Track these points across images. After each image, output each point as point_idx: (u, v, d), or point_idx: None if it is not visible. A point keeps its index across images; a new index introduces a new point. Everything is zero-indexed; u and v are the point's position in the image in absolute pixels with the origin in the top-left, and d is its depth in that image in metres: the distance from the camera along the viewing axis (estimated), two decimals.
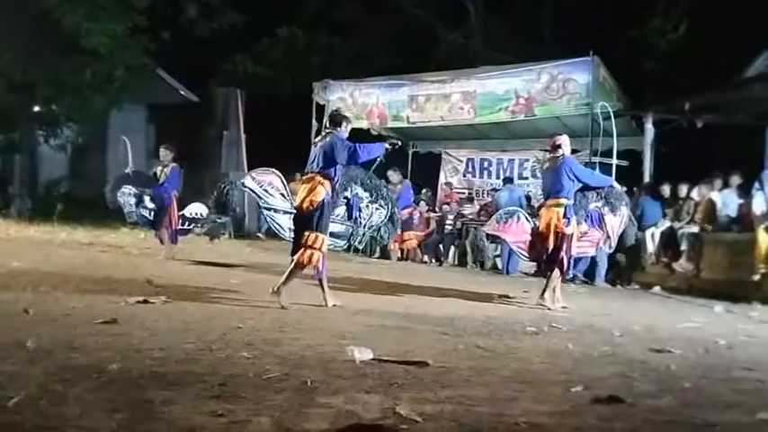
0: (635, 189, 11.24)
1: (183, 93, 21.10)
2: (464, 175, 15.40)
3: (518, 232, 6.98)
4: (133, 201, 9.41)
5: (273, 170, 6.33)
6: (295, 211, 5.89)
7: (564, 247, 6.67)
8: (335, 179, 5.88)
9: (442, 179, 15.69)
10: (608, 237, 7.20)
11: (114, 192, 9.51)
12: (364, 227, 6.39)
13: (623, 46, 15.92)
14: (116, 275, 7.09)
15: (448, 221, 13.17)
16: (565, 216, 6.66)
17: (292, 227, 5.94)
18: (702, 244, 9.59)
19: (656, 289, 9.29)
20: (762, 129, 11.98)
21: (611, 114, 7.38)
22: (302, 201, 5.75)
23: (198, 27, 20.02)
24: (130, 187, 9.45)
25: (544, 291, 6.78)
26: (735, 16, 14.54)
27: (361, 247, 7.50)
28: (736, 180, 10.09)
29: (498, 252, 11.90)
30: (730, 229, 9.67)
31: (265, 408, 2.72)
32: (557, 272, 6.73)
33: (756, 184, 9.35)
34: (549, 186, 6.89)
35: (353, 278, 8.44)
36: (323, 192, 5.72)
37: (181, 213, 9.80)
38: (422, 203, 13.68)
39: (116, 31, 16.22)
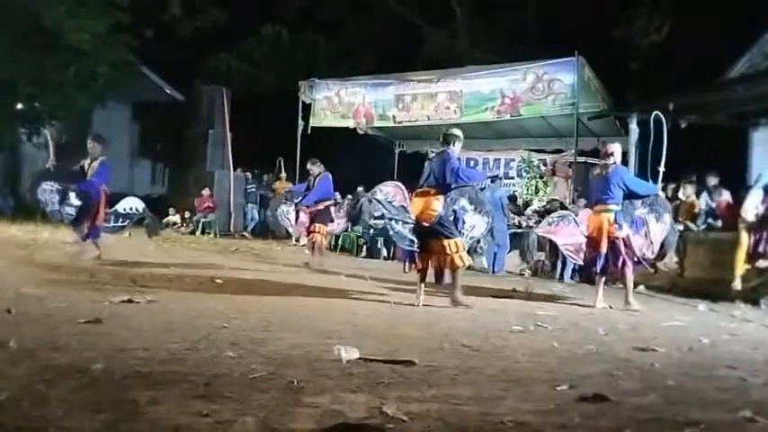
0: None
1: (168, 91, 21.00)
2: None
3: (568, 235, 7.08)
4: (56, 198, 8.57)
5: (397, 183, 6.57)
6: (416, 223, 6.24)
7: (624, 251, 6.85)
8: (448, 193, 6.32)
9: None
10: (651, 243, 7.28)
11: (34, 189, 8.69)
12: (465, 237, 6.54)
13: (608, 46, 16.04)
14: (100, 274, 7.04)
15: None
16: (615, 221, 6.86)
17: (411, 237, 6.24)
18: (686, 243, 9.66)
19: (640, 288, 9.33)
20: (744, 130, 12.11)
21: (664, 123, 7.52)
22: (420, 214, 6.22)
23: (182, 25, 19.93)
24: (53, 183, 8.61)
25: (627, 296, 6.96)
26: (717, 18, 14.69)
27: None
28: (713, 180, 10.21)
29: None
30: (713, 228, 9.76)
31: (251, 407, 2.71)
32: (629, 275, 6.96)
33: (756, 183, 9.35)
34: (599, 192, 7.02)
35: (340, 274, 8.44)
36: (438, 205, 6.21)
37: (113, 209, 9.01)
38: None
39: (98, 29, 16.09)
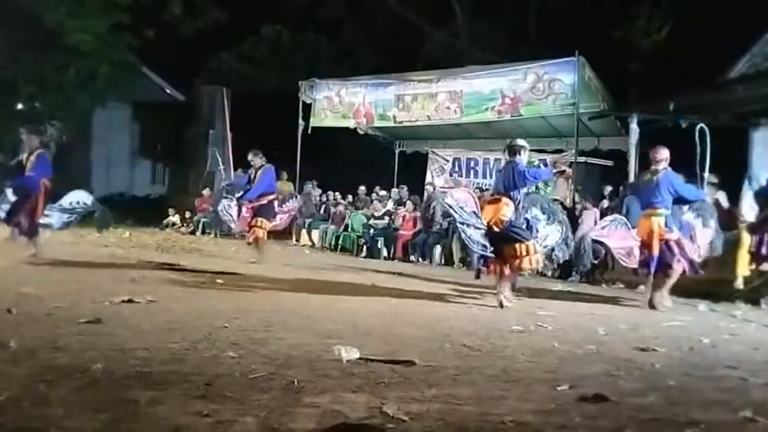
0: (620, 188, 11.30)
1: (168, 91, 21.01)
2: (450, 175, 15.43)
3: (620, 238, 7.12)
4: None
5: (467, 189, 6.73)
6: (487, 229, 6.43)
7: (677, 251, 6.97)
8: (518, 201, 6.56)
9: (428, 179, 15.71)
10: (697, 247, 7.36)
11: None
12: (539, 246, 6.67)
13: (608, 46, 16.03)
14: (100, 274, 7.04)
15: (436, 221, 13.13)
16: (666, 225, 6.96)
17: (483, 242, 6.41)
18: None
19: (641, 288, 9.33)
20: (744, 130, 12.10)
21: (707, 134, 7.63)
22: (490, 220, 6.43)
23: (182, 25, 19.93)
24: None
25: (653, 295, 7.07)
26: (717, 18, 14.68)
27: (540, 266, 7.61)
28: (712, 180, 10.20)
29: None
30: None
31: (251, 407, 2.71)
32: (673, 276, 7.06)
33: (746, 183, 9.39)
34: (648, 197, 7.08)
35: (341, 274, 8.44)
36: (508, 211, 6.44)
37: (58, 204, 8.52)
38: (408, 203, 13.69)
39: (99, 29, 16.10)
